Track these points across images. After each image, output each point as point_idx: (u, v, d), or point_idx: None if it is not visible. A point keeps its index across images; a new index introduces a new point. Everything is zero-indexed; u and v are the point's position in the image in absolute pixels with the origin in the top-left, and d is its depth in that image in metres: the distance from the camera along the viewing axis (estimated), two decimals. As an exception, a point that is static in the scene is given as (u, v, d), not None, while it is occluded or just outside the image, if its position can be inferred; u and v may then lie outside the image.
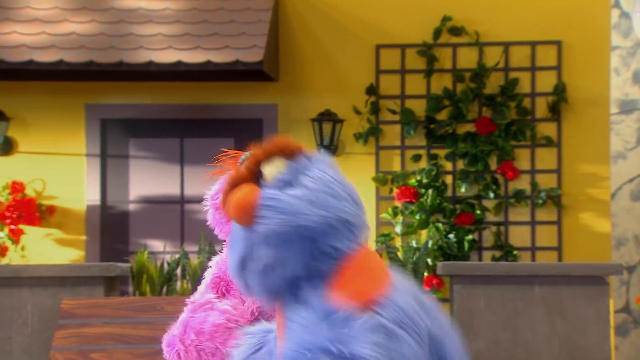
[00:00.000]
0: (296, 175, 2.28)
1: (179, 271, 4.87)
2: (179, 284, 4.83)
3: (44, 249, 7.44)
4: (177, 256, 4.95)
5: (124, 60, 6.86)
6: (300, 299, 2.16)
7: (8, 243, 7.32)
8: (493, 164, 7.42)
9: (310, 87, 7.51)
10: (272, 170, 2.29)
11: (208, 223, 2.78)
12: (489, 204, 7.41)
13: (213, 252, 4.89)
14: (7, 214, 7.25)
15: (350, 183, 2.34)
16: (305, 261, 2.14)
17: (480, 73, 7.39)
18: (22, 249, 7.34)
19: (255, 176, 2.30)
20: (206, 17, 7.21)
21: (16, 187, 7.37)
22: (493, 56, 7.45)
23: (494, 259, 7.38)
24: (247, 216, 2.21)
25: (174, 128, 7.56)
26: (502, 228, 7.39)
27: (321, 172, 2.27)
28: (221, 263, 2.80)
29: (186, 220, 7.51)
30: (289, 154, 2.35)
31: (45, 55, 6.89)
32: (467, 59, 7.46)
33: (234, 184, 2.28)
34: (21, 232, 7.29)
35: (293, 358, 2.04)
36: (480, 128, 7.37)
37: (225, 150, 2.85)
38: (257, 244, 2.17)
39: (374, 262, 2.22)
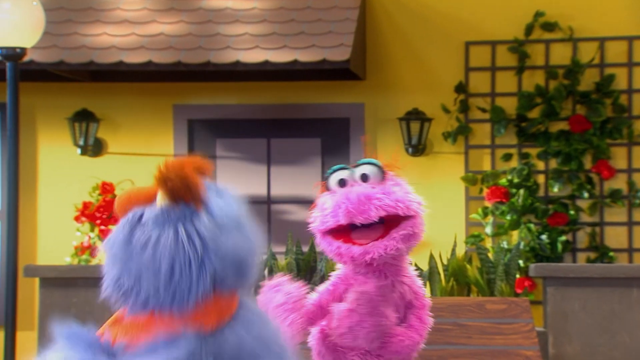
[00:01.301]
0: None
1: (266, 272, 4.93)
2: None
3: (132, 249, 7.60)
4: (264, 257, 5.01)
5: (211, 61, 6.98)
6: None
7: (98, 243, 7.51)
8: (587, 162, 7.32)
9: (397, 86, 7.52)
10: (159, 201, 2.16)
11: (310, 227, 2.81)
12: (584, 204, 7.31)
13: (300, 253, 4.93)
14: (98, 214, 7.44)
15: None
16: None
17: (574, 69, 7.30)
18: (112, 249, 7.51)
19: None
20: (293, 16, 7.28)
21: (106, 188, 7.56)
22: (588, 52, 7.35)
23: (589, 260, 7.29)
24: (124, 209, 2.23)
25: (260, 128, 7.65)
26: (597, 229, 7.29)
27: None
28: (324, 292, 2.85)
29: (273, 220, 7.59)
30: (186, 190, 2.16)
31: (134, 57, 7.05)
32: (561, 55, 7.38)
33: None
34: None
35: None
36: (574, 126, 7.28)
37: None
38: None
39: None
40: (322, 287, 2.88)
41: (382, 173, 2.81)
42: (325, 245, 2.80)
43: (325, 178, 2.84)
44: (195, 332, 2.12)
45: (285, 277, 2.83)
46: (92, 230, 7.51)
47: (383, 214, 2.75)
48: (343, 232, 2.78)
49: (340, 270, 2.88)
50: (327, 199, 2.82)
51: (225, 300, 2.19)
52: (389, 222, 2.77)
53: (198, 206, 2.17)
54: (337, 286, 2.86)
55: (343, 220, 2.75)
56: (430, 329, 2.89)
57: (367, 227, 2.77)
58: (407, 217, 2.78)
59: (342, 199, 2.77)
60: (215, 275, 2.15)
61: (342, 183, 2.81)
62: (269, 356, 2.18)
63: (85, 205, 7.51)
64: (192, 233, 2.15)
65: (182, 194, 2.16)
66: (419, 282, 2.87)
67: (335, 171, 2.84)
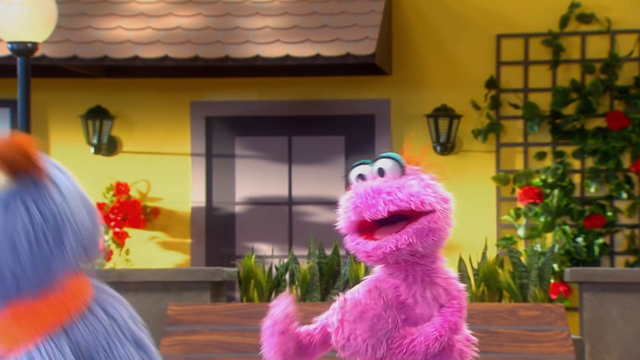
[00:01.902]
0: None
1: (287, 276, 4.90)
2: (287, 289, 4.86)
3: (148, 252, 7.59)
4: (285, 260, 4.98)
5: (230, 55, 6.94)
6: None
7: (113, 246, 7.49)
8: (626, 161, 7.24)
9: (425, 81, 7.46)
10: None
11: (338, 227, 2.79)
12: (622, 204, 7.23)
13: (323, 257, 4.89)
14: (112, 216, 7.42)
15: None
16: None
17: (611, 63, 7.22)
18: (127, 252, 7.50)
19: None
20: (315, 9, 7.23)
21: (120, 189, 7.53)
22: (626, 45, 7.26)
23: (627, 264, 7.20)
24: None
25: (281, 125, 7.61)
26: (636, 231, 7.21)
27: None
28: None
29: (295, 222, 7.55)
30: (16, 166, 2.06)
31: (150, 51, 7.03)
32: (597, 48, 7.29)
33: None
34: (126, 235, 7.45)
35: None
36: (612, 123, 7.20)
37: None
38: None
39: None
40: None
41: (401, 168, 2.78)
42: (348, 242, 2.80)
43: (347, 174, 2.82)
44: (58, 328, 2.09)
45: (285, 296, 2.82)
46: (106, 232, 7.50)
47: (393, 208, 2.72)
48: (368, 229, 2.77)
49: (374, 274, 2.86)
50: (346, 195, 2.82)
51: (81, 279, 2.16)
52: (411, 220, 2.75)
53: (42, 178, 2.11)
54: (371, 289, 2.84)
55: (354, 217, 2.74)
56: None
57: (392, 223, 2.73)
58: (427, 213, 2.74)
59: (353, 194, 2.77)
60: (72, 251, 2.11)
61: (361, 178, 2.79)
62: (126, 338, 2.18)
63: (99, 206, 7.48)
64: (44, 207, 2.10)
65: (23, 165, 2.08)
66: (458, 285, 2.82)
67: (356, 166, 2.82)
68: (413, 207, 2.74)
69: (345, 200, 2.78)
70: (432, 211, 2.78)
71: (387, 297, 2.75)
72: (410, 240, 2.74)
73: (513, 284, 4.86)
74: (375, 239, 2.75)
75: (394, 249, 2.73)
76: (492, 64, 7.42)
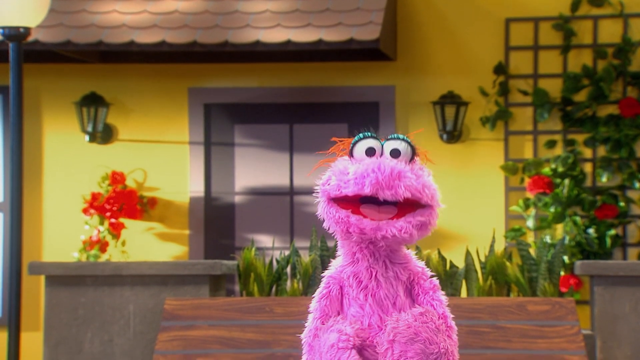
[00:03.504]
0: None
1: (289, 269, 4.91)
2: (289, 283, 4.87)
3: (144, 244, 7.61)
4: (286, 253, 4.99)
5: (230, 41, 6.95)
6: None
7: (108, 238, 7.51)
8: (639, 150, 7.25)
9: (431, 67, 7.46)
10: None
11: (318, 215, 2.82)
12: (635, 194, 7.24)
13: (326, 249, 4.90)
14: (107, 206, 7.43)
15: None
16: None
17: (624, 48, 7.22)
18: (123, 244, 7.52)
19: None
20: (317, -8, 7.23)
21: (116, 178, 7.55)
22: (639, 29, 7.27)
23: (640, 257, 7.22)
24: None
25: (282, 113, 7.62)
26: (649, 222, 7.23)
27: None
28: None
29: (296, 213, 7.57)
30: None
31: (146, 36, 7.03)
32: (610, 32, 7.29)
33: None
34: (122, 226, 7.47)
35: None
36: (625, 110, 7.20)
37: (337, 139, 2.86)
38: None
39: None
40: (317, 293, 2.90)
41: (413, 154, 2.81)
42: (330, 212, 2.80)
43: (352, 143, 2.83)
44: None
45: (338, 317, 2.87)
46: (101, 223, 7.51)
47: (408, 195, 2.76)
48: (352, 203, 2.79)
49: (331, 269, 2.89)
50: (349, 164, 2.81)
51: None
52: (403, 206, 2.78)
53: None
54: (330, 288, 2.89)
55: (368, 190, 2.76)
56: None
57: (379, 204, 2.76)
58: (423, 206, 2.77)
59: (373, 168, 2.76)
60: None
61: (370, 152, 2.81)
62: None
63: (94, 196, 7.50)
64: None
65: None
66: (417, 262, 2.90)
67: (362, 139, 2.83)
68: (424, 198, 2.78)
69: (357, 171, 2.78)
70: (432, 206, 2.82)
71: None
72: (413, 231, 2.77)
73: (522, 278, 4.87)
74: (364, 216, 2.76)
75: (396, 235, 2.76)
76: (501, 49, 7.42)
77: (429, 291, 2.87)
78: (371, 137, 2.84)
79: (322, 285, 2.92)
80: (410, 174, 2.77)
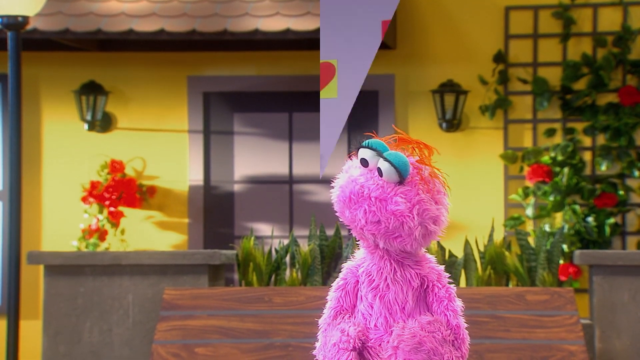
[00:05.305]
0: None
1: (288, 259, 4.91)
2: (288, 273, 4.87)
3: (144, 232, 7.61)
4: (285, 242, 4.98)
5: (229, 29, 6.94)
6: None
7: (107, 226, 7.51)
8: (638, 138, 7.24)
9: (430, 55, 7.45)
10: None
11: (334, 207, 2.81)
12: (634, 183, 7.23)
13: (325, 238, 4.90)
14: (106, 195, 7.43)
15: None
16: None
17: (624, 36, 7.20)
18: (122, 232, 7.52)
19: None
20: (317, -20, 7.22)
21: (115, 166, 7.54)
22: (639, 17, 7.25)
23: (639, 246, 7.22)
24: None
25: (282, 101, 7.61)
26: (648, 211, 7.23)
27: None
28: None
29: (295, 201, 7.57)
30: None
31: (145, 24, 7.02)
32: (610, 20, 7.27)
33: None
34: (121, 214, 7.47)
35: None
36: (624, 98, 7.19)
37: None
38: None
39: None
40: (335, 283, 2.89)
41: (400, 177, 2.75)
42: (344, 213, 2.80)
43: (358, 147, 2.82)
44: None
45: (346, 316, 2.86)
46: (100, 212, 7.51)
47: (371, 220, 2.76)
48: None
49: (352, 261, 2.89)
50: (352, 168, 2.83)
51: None
52: None
53: None
54: (347, 280, 2.89)
55: (337, 208, 2.81)
56: (465, 322, 2.88)
57: None
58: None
59: (351, 184, 2.79)
60: None
61: (363, 163, 2.80)
62: None
63: (93, 185, 7.50)
64: None
65: None
66: (435, 267, 2.87)
67: (365, 147, 2.80)
68: (390, 226, 2.73)
69: (342, 185, 2.80)
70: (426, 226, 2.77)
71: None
72: (416, 244, 2.79)
73: (520, 267, 4.87)
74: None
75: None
76: (500, 37, 7.40)
77: (443, 300, 2.81)
78: (370, 147, 2.81)
79: (340, 275, 2.91)
80: (377, 203, 2.72)
